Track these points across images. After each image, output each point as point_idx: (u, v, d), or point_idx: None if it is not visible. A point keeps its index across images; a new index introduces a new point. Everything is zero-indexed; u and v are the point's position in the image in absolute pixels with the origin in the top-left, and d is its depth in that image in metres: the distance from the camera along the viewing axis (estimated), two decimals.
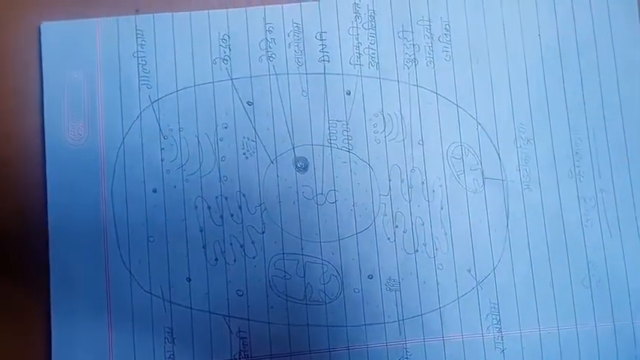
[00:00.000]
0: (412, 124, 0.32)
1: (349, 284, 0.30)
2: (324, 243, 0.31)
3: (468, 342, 0.31)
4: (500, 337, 0.31)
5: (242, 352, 0.30)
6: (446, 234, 0.31)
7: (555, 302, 0.31)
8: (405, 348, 0.30)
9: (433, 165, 0.31)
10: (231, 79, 0.31)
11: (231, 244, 0.30)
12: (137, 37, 0.31)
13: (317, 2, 0.32)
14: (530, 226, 0.31)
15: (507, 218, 0.31)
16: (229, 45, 0.31)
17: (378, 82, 0.32)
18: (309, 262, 0.30)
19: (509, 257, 0.31)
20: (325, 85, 0.31)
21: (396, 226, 0.31)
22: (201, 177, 0.31)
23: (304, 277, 0.30)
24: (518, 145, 0.32)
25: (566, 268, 0.31)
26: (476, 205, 0.31)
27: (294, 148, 0.31)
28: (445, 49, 0.32)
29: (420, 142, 0.32)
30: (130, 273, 0.30)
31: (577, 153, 0.32)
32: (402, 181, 0.31)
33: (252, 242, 0.30)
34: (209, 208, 0.30)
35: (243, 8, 0.31)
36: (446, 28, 0.32)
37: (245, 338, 0.30)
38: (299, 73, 0.31)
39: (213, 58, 0.31)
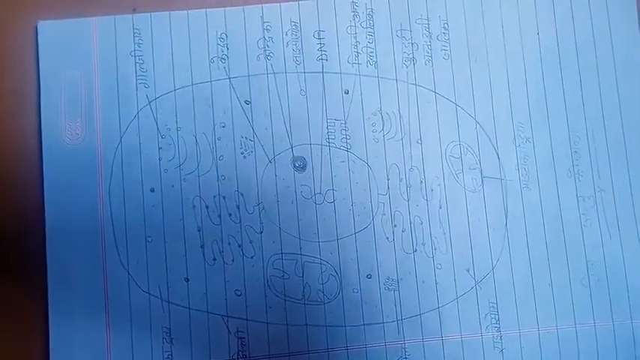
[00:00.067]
0: (411, 123, 0.31)
1: (348, 284, 0.30)
2: (322, 243, 0.30)
3: (467, 342, 0.30)
4: (499, 337, 0.31)
5: (240, 352, 0.29)
6: (444, 233, 0.31)
7: (554, 302, 0.31)
8: (404, 348, 0.30)
9: (432, 164, 0.31)
10: (229, 78, 0.31)
11: (229, 243, 0.30)
12: (134, 36, 0.31)
13: (315, 1, 0.32)
14: (529, 225, 0.31)
15: (506, 217, 0.31)
16: (227, 44, 0.31)
17: (376, 81, 0.32)
18: (307, 261, 0.30)
19: (508, 257, 0.31)
20: (323, 84, 0.31)
21: (395, 226, 0.31)
22: (199, 176, 0.30)
23: (303, 276, 0.30)
24: (517, 145, 0.32)
25: (565, 268, 0.31)
26: (475, 204, 0.31)
27: (292, 147, 0.31)
28: (444, 47, 0.32)
29: (419, 141, 0.31)
30: (128, 273, 0.30)
31: (576, 152, 0.32)
32: (400, 181, 0.31)
33: (251, 242, 0.30)
34: (207, 207, 0.30)
35: (241, 7, 0.31)
36: (444, 27, 0.32)
37: (243, 338, 0.30)
38: (297, 72, 0.31)
39: (210, 57, 0.31)
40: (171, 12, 0.31)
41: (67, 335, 0.29)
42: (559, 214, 0.32)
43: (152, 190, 0.30)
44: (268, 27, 0.31)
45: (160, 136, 0.31)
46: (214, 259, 0.30)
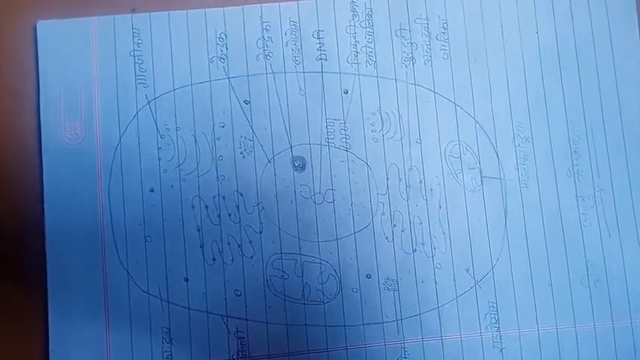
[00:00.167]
0: (410, 122, 0.31)
1: (347, 284, 0.30)
2: (322, 242, 0.30)
3: (467, 341, 0.30)
4: (498, 337, 0.31)
5: (240, 352, 0.29)
6: (444, 233, 0.31)
7: (554, 301, 0.31)
8: (404, 347, 0.30)
9: (431, 164, 0.31)
10: (228, 78, 0.31)
11: (228, 243, 0.30)
12: (134, 36, 0.31)
13: (314, 0, 0.32)
14: (529, 225, 0.31)
15: (505, 217, 0.31)
16: (226, 43, 0.31)
17: (375, 81, 0.31)
18: (307, 261, 0.30)
19: (507, 256, 0.31)
20: (323, 84, 0.31)
21: (394, 226, 0.31)
22: (198, 176, 0.30)
23: (302, 276, 0.30)
24: (517, 144, 0.32)
25: (564, 268, 0.31)
26: (474, 204, 0.31)
27: (291, 147, 0.31)
28: (443, 47, 0.32)
29: (418, 141, 0.31)
30: (128, 273, 0.30)
31: (575, 152, 0.32)
32: (399, 180, 0.31)
33: (250, 242, 0.30)
34: (206, 207, 0.30)
35: (240, 6, 0.31)
36: (444, 27, 0.32)
37: (243, 338, 0.30)
38: (296, 72, 0.31)
39: (210, 57, 0.31)
40: (170, 12, 0.31)
41: (66, 335, 0.29)
42: (559, 213, 0.32)
43: (151, 190, 0.30)
44: (267, 27, 0.31)
45: (159, 136, 0.31)
46: (214, 259, 0.30)
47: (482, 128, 0.32)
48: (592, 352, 0.31)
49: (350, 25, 0.32)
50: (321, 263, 0.30)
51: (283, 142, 0.31)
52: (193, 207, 0.30)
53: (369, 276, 0.31)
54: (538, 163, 0.32)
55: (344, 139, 0.31)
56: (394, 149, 0.31)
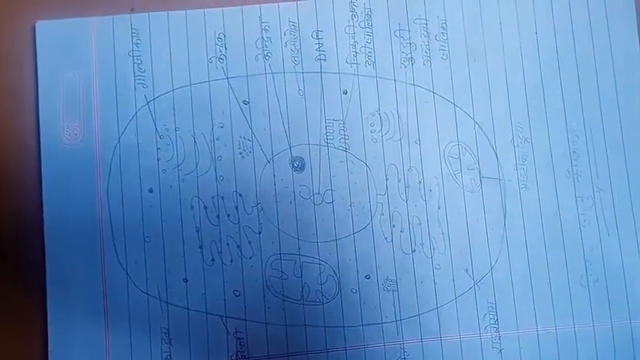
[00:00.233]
0: (409, 123, 0.31)
1: (346, 284, 0.30)
2: (321, 243, 0.30)
3: (466, 342, 0.30)
4: (497, 337, 0.31)
5: (239, 353, 0.29)
6: (443, 234, 0.31)
7: (553, 302, 0.31)
8: (403, 348, 0.30)
9: (430, 164, 0.31)
10: (227, 78, 0.31)
11: (227, 244, 0.30)
12: (132, 36, 0.31)
13: (313, 1, 0.32)
14: (528, 225, 0.31)
15: (505, 218, 0.31)
16: (225, 44, 0.31)
17: (374, 81, 0.31)
18: (306, 262, 0.30)
19: (506, 257, 0.31)
20: (322, 84, 0.31)
21: (394, 226, 0.31)
22: (197, 177, 0.30)
23: (301, 277, 0.30)
24: (516, 145, 0.32)
25: (563, 268, 0.31)
26: (473, 204, 0.31)
27: (290, 147, 0.31)
28: (442, 47, 0.32)
29: (417, 142, 0.31)
30: (127, 273, 0.30)
31: (574, 152, 0.32)
32: (399, 181, 0.31)
33: (249, 242, 0.30)
34: (205, 208, 0.30)
35: (239, 7, 0.31)
36: (443, 27, 0.32)
37: (242, 339, 0.30)
38: (295, 72, 0.31)
39: (209, 57, 0.31)
40: (169, 12, 0.31)
41: (65, 335, 0.29)
42: (557, 214, 0.32)
43: (150, 191, 0.30)
44: (266, 27, 0.31)
45: (158, 137, 0.30)
46: (213, 260, 0.30)
47: (481, 129, 0.32)
48: (591, 352, 0.31)
49: (349, 26, 0.32)
50: (320, 264, 0.30)
51: (282, 143, 0.31)
52: (192, 207, 0.30)
53: (368, 276, 0.31)
54: (537, 164, 0.32)
55: (343, 140, 0.31)
56: (393, 150, 0.31)
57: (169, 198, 0.30)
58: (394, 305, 0.30)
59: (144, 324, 0.29)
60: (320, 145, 0.31)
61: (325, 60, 0.31)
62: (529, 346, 0.31)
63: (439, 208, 0.31)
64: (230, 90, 0.31)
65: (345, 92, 0.31)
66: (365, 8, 0.32)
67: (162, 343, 0.29)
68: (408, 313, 0.30)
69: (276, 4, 0.31)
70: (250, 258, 0.30)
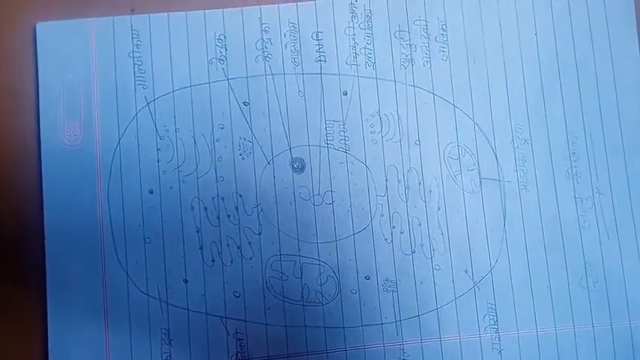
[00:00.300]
0: (409, 124, 0.31)
1: (346, 285, 0.30)
2: (321, 244, 0.31)
3: (466, 343, 0.31)
4: (497, 338, 0.31)
5: (239, 354, 0.29)
6: (443, 235, 0.31)
7: (552, 303, 0.31)
8: (403, 349, 0.30)
9: (430, 165, 0.31)
10: (228, 80, 0.31)
11: (227, 245, 0.30)
12: (133, 37, 0.31)
13: (313, 2, 0.32)
14: (527, 226, 0.31)
15: (504, 219, 0.31)
16: (225, 45, 0.31)
17: (374, 83, 0.31)
18: (306, 263, 0.30)
19: (506, 258, 0.31)
20: (322, 86, 0.31)
21: (393, 227, 0.31)
22: (197, 178, 0.30)
23: (301, 278, 0.30)
24: (516, 146, 0.32)
25: (563, 269, 0.31)
26: (473, 205, 0.31)
27: (290, 148, 0.31)
28: (442, 49, 0.32)
29: (417, 143, 0.31)
30: (127, 274, 0.30)
31: (574, 153, 0.32)
32: (398, 182, 0.31)
33: (249, 243, 0.30)
34: (206, 209, 0.30)
35: (239, 8, 0.31)
36: (443, 28, 0.32)
37: (242, 339, 0.30)
38: (295, 74, 0.31)
39: (209, 58, 0.31)
40: (169, 13, 0.31)
41: (65, 336, 0.29)
42: (557, 215, 0.32)
43: (151, 192, 0.30)
44: (266, 28, 0.31)
45: (158, 138, 0.31)
46: (213, 261, 0.30)
47: (481, 130, 0.32)
48: (591, 353, 0.31)
49: (349, 27, 0.32)
50: (320, 265, 0.30)
51: (282, 144, 0.31)
52: (192, 208, 0.30)
53: (368, 277, 0.31)
54: (537, 165, 0.32)
55: (343, 141, 0.31)
56: (393, 151, 0.31)
57: (169, 199, 0.30)
58: (394, 306, 0.30)
59: (144, 325, 0.29)
60: (320, 146, 0.31)
61: (325, 61, 0.31)
62: (529, 347, 0.31)
63: (439, 209, 0.31)
64: (230, 91, 0.31)
65: (345, 93, 0.31)
66: (365, 9, 0.32)
67: (162, 344, 0.29)
68: (408, 314, 0.30)
69: (276, 5, 0.31)
70: (250, 259, 0.30)
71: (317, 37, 0.31)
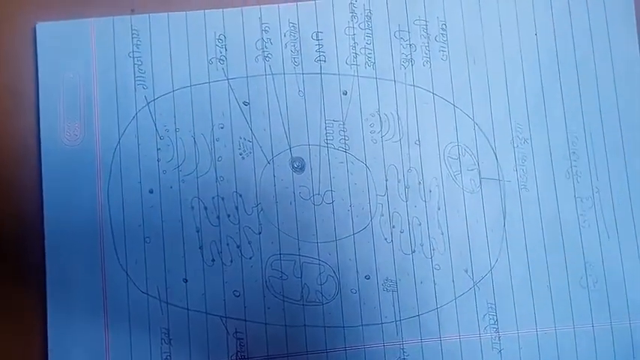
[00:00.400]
0: (409, 124, 0.31)
1: (346, 285, 0.30)
2: (321, 243, 0.31)
3: (466, 342, 0.31)
4: (497, 338, 0.31)
5: (239, 353, 0.29)
6: (443, 234, 0.31)
7: (552, 303, 0.31)
8: (403, 348, 0.30)
9: (430, 165, 0.31)
10: (228, 79, 0.31)
11: (227, 244, 0.30)
12: (133, 37, 0.31)
13: (313, 2, 0.32)
14: (527, 226, 0.31)
15: (504, 218, 0.31)
16: (225, 45, 0.31)
17: (374, 82, 0.31)
18: (305, 262, 0.30)
19: (506, 257, 0.31)
20: (322, 85, 0.31)
21: (393, 227, 0.31)
22: (197, 177, 0.30)
23: (301, 277, 0.30)
24: (515, 145, 0.32)
25: (563, 269, 0.31)
26: (473, 205, 0.31)
27: (290, 148, 0.31)
28: (442, 49, 0.32)
29: (417, 143, 0.31)
30: (127, 274, 0.30)
31: (574, 153, 0.32)
32: (398, 182, 0.31)
33: (249, 243, 0.30)
34: (205, 208, 0.30)
35: (239, 8, 0.31)
36: (442, 28, 0.32)
37: (242, 339, 0.30)
38: (295, 73, 0.31)
39: (209, 58, 0.31)
40: (169, 13, 0.31)
41: (65, 335, 0.29)
42: (557, 215, 0.32)
43: (151, 191, 0.30)
44: (266, 28, 0.31)
45: (158, 137, 0.31)
46: (213, 260, 0.30)
47: (481, 130, 0.32)
48: (591, 353, 0.31)
49: (349, 27, 0.32)
50: (320, 264, 0.30)
51: (282, 144, 0.31)
52: (192, 208, 0.30)
53: (367, 277, 0.31)
54: (537, 165, 0.32)
55: (343, 141, 0.31)
56: (393, 150, 0.31)
57: (169, 198, 0.30)
58: (394, 306, 0.30)
59: (144, 324, 0.29)
60: (320, 145, 0.31)
61: (325, 61, 0.31)
62: (529, 347, 0.31)
63: (439, 209, 0.31)
64: (230, 91, 0.31)
65: (345, 93, 0.31)
66: (365, 9, 0.32)
67: (162, 344, 0.29)
68: (408, 314, 0.30)
69: (276, 5, 0.31)
70: (250, 258, 0.30)
71: (317, 37, 0.31)
